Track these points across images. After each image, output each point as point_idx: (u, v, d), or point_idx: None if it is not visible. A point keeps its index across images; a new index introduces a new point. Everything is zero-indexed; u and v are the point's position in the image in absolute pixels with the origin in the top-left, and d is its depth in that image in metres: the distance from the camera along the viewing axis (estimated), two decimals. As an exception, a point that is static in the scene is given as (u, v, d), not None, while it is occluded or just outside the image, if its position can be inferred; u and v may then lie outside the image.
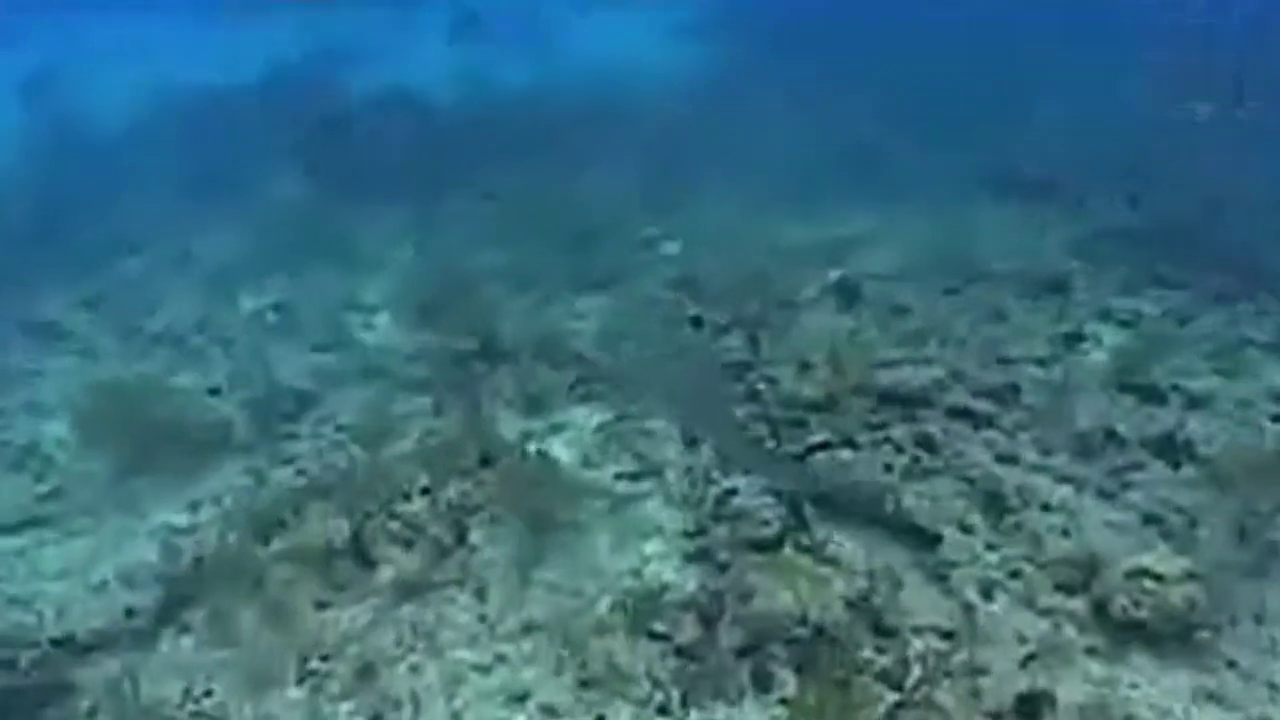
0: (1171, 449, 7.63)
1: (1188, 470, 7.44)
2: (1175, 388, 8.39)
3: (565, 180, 13.95)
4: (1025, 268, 10.85)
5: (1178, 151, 12.82)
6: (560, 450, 8.08)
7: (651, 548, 6.98)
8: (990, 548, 6.67)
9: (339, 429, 8.79)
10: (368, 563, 6.76)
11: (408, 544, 6.89)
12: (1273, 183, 11.98)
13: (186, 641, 6.55)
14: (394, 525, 7.00)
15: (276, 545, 6.99)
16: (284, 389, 9.52)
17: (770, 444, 7.76)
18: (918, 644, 5.89)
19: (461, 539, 6.97)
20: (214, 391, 9.70)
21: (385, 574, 6.73)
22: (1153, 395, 8.30)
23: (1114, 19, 18.65)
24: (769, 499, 7.17)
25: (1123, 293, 10.40)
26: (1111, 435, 7.74)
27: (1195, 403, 8.28)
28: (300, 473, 8.09)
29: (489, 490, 7.36)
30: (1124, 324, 9.70)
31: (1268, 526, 6.67)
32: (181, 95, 20.49)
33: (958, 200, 13.31)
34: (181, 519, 7.75)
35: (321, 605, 6.52)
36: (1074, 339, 9.21)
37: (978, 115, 16.23)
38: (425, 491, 7.40)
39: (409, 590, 6.57)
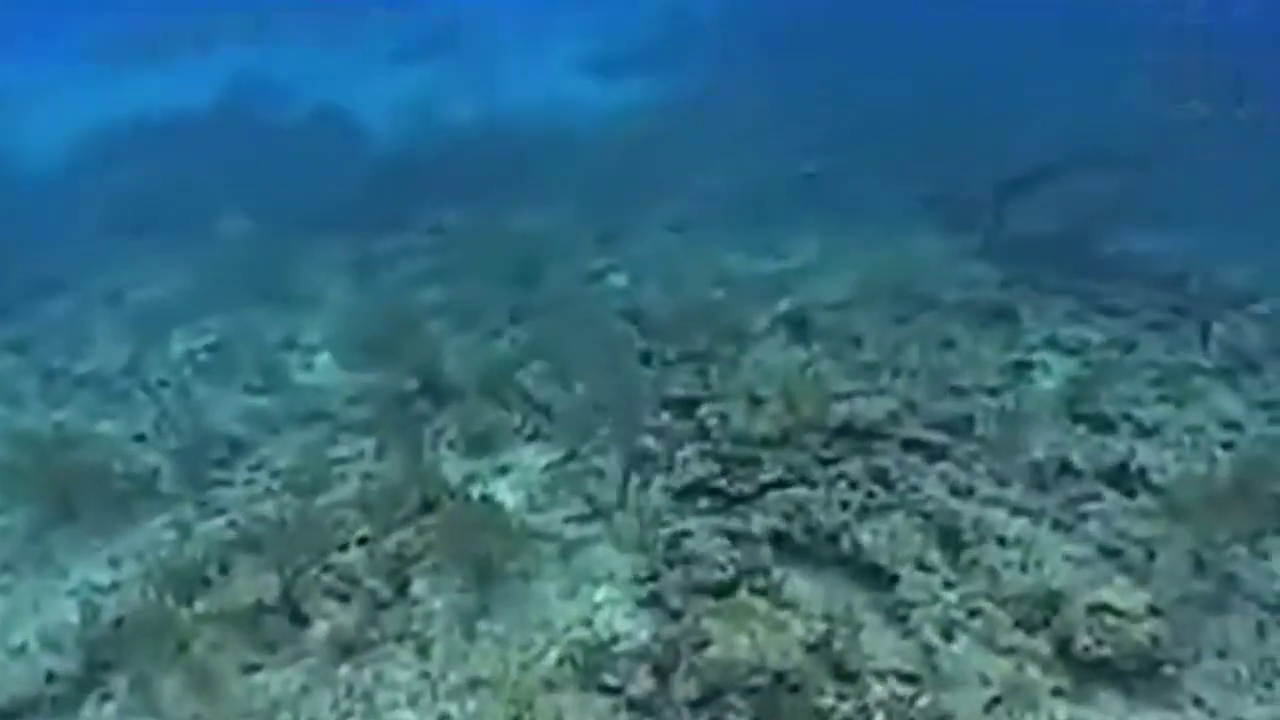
0: (1125, 479, 7.57)
1: (1142, 500, 7.37)
2: (1126, 416, 8.37)
3: (510, 213, 13.76)
4: (973, 296, 10.85)
5: (1125, 175, 12.98)
6: (506, 493, 7.78)
7: (602, 595, 6.71)
8: (949, 585, 6.50)
9: (273, 475, 8.41)
10: (300, 620, 6.39)
11: (343, 598, 6.53)
12: (1214, 206, 12.16)
13: (109, 709, 6.12)
14: (329, 579, 6.64)
15: (202, 604, 6.59)
16: (215, 434, 9.12)
17: (722, 482, 7.54)
18: (879, 689, 5.68)
19: (402, 591, 6.63)
20: (140, 438, 9.27)
21: (319, 631, 6.36)
22: (1104, 424, 8.27)
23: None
24: (723, 540, 6.94)
25: (1069, 320, 10.42)
26: (1065, 466, 7.66)
27: (1146, 431, 8.26)
28: (230, 524, 7.68)
29: (431, 538, 7.03)
30: (1071, 352, 9.70)
31: (1224, 557, 6.61)
32: (112, 132, 19.94)
33: (904, 227, 13.36)
34: (103, 576, 7.31)
35: (251, 668, 6.13)
36: (1023, 367, 9.18)
37: (925, 139, 16.35)
38: (363, 541, 7.06)
39: (345, 649, 6.21)
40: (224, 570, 6.92)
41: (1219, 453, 8.01)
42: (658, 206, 13.55)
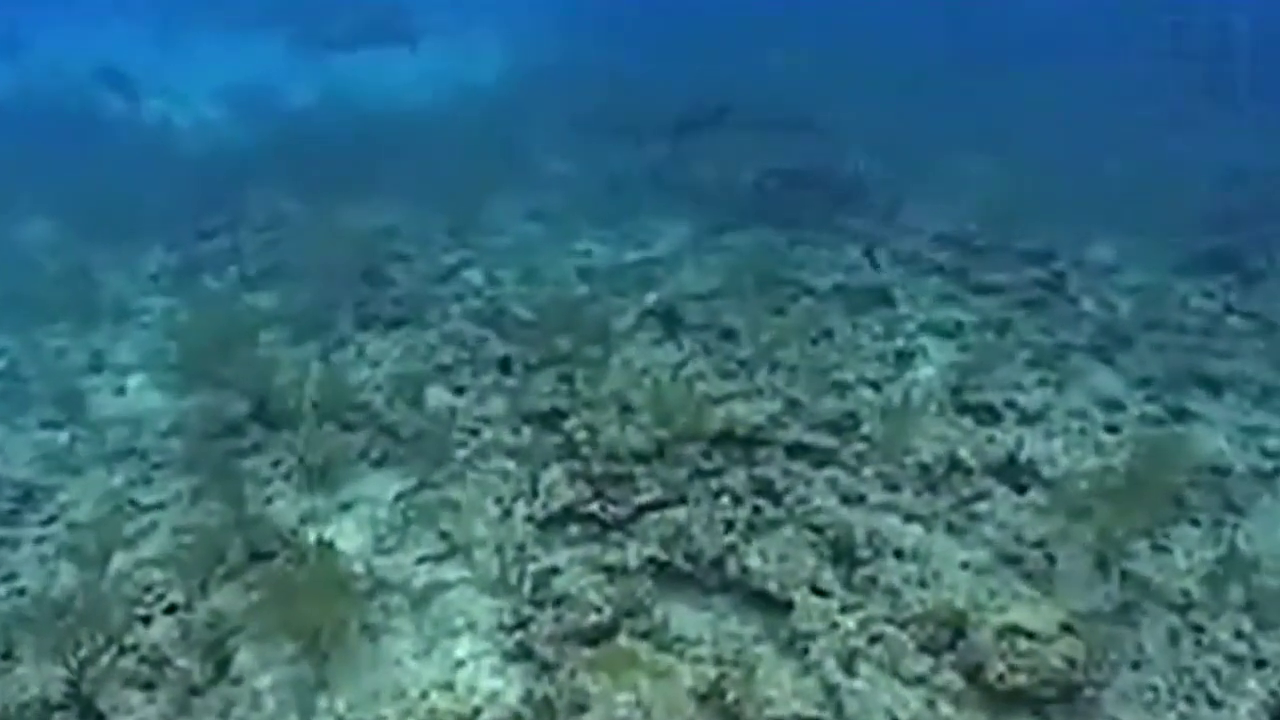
0: (1014, 473, 7.21)
1: (1034, 495, 7.02)
2: (1009, 404, 8.04)
3: (351, 206, 12.60)
4: (845, 280, 10.41)
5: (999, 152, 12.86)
6: (349, 534, 6.81)
7: (464, 649, 5.86)
8: (846, 609, 5.93)
9: (70, 529, 7.16)
10: (94, 718, 5.31)
11: (147, 685, 5.46)
12: (1085, 183, 12.13)
13: None
14: (128, 662, 5.55)
15: (-26, 704, 5.42)
16: (4, 481, 7.79)
17: (594, 507, 6.78)
18: (779, 741, 5.07)
19: (221, 670, 5.60)
20: (-90, 491, 7.83)
21: (119, 730, 5.31)
22: (988, 414, 7.92)
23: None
24: (597, 576, 6.19)
25: (942, 302, 10.11)
26: (954, 463, 7.24)
27: (1029, 418, 7.95)
28: (18, 593, 6.46)
29: (257, 598, 6.01)
30: (947, 335, 9.37)
31: (1125, 555, 6.29)
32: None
33: (768, 210, 12.87)
34: None
35: (31, 788, 5.06)
36: (904, 356, 8.77)
37: (788, 114, 15.95)
38: (171, 610, 5.99)
39: (152, 749, 5.20)
40: (6, 655, 5.74)
41: (1105, 438, 7.76)
42: (509, 195, 12.65)
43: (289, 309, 10.31)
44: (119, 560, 6.57)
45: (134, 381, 9.51)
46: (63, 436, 8.53)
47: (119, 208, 13.34)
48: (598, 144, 14.83)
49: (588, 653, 5.66)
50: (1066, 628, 5.36)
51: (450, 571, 6.46)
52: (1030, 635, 5.32)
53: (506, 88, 18.36)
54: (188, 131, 15.84)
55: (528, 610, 6.02)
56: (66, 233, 12.94)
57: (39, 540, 7.07)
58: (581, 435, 7.40)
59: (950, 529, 6.72)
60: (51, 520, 7.31)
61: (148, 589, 6.23)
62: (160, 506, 7.35)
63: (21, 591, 6.46)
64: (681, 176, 13.55)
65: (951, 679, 5.38)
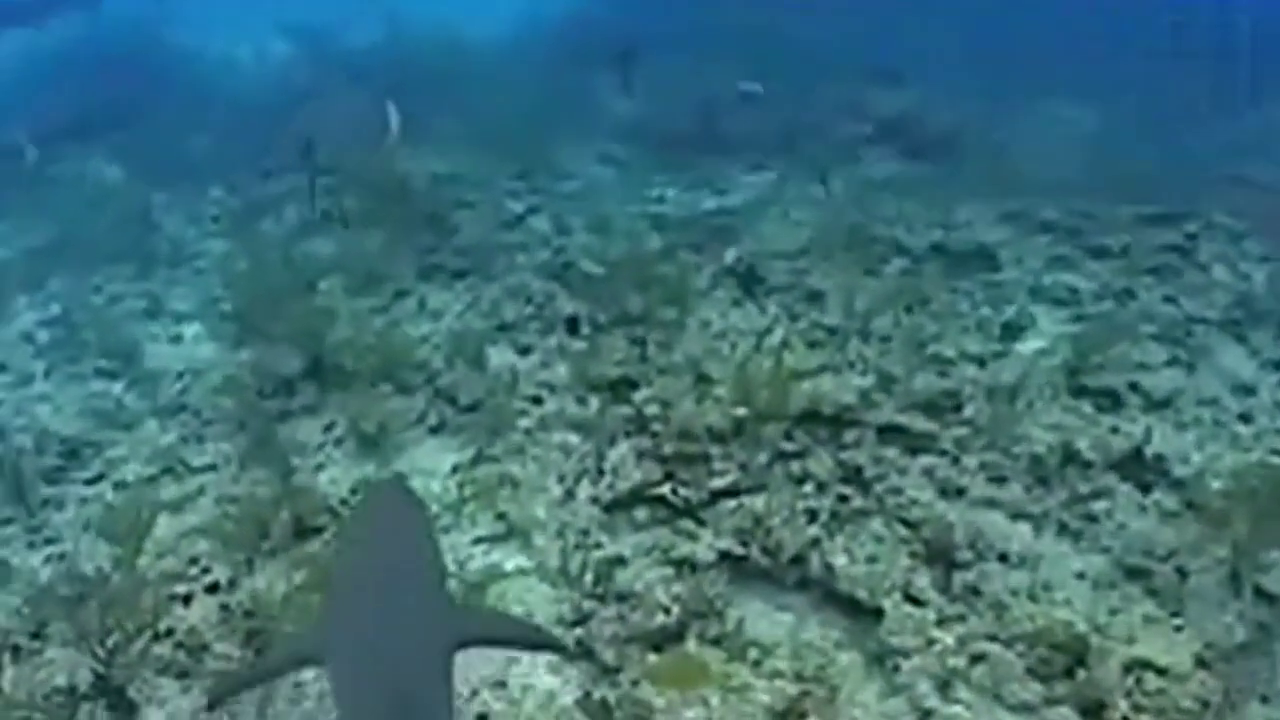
0: (1139, 469, 6.37)
1: (1161, 496, 6.20)
2: (1133, 387, 7.15)
3: (414, 147, 12.03)
4: (944, 239, 9.51)
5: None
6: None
7: (519, 644, 5.37)
8: (943, 622, 5.27)
9: (117, 489, 6.87)
10: (126, 709, 4.96)
11: (183, 674, 5.09)
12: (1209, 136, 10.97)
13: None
14: (163, 648, 5.18)
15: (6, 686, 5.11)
16: (54, 435, 7.52)
17: (665, 490, 6.20)
18: (867, 776, 4.50)
19: (261, 654, 5.21)
20: (-39, 442, 7.62)
21: (151, 722, 4.95)
22: (1108, 399, 7.04)
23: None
24: (665, 570, 5.64)
25: (1053, 265, 9.16)
26: (1070, 454, 6.43)
27: (1156, 404, 7.06)
28: (58, 559, 6.17)
29: (302, 579, 5.60)
30: (1060, 303, 8.46)
31: (1260, 572, 5.48)
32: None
33: (855, 160, 11.99)
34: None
35: (54, 783, 4.73)
36: (1011, 328, 7.89)
37: (875, 49, 14.94)
38: (213, 589, 5.61)
39: (184, 746, 4.83)
40: (37, 634, 5.43)
41: (1240, 429, 6.87)
42: (579, 137, 11.91)
43: (348, 257, 9.84)
44: (162, 527, 6.22)
45: (190, 330, 9.20)
46: (115, 388, 8.25)
47: (181, 147, 13.06)
48: (672, 84, 13.98)
49: (652, 658, 5.14)
50: (1202, 662, 4.65)
51: (507, 556, 5.96)
52: (1161, 671, 4.62)
53: (577, 22, 17.48)
54: (251, 68, 15.40)
55: (589, 605, 5.50)
56: (128, 173, 12.66)
57: (83, 501, 6.78)
58: (653, 409, 6.78)
59: (1064, 531, 5.96)
60: (98, 479, 7.03)
61: (192, 562, 5.87)
62: (210, 468, 7.01)
63: (61, 557, 6.16)
64: (761, 122, 12.66)
65: (1066, 714, 4.70)
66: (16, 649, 5.30)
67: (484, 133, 12.38)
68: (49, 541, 6.39)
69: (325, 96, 11.81)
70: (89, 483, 6.98)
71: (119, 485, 6.90)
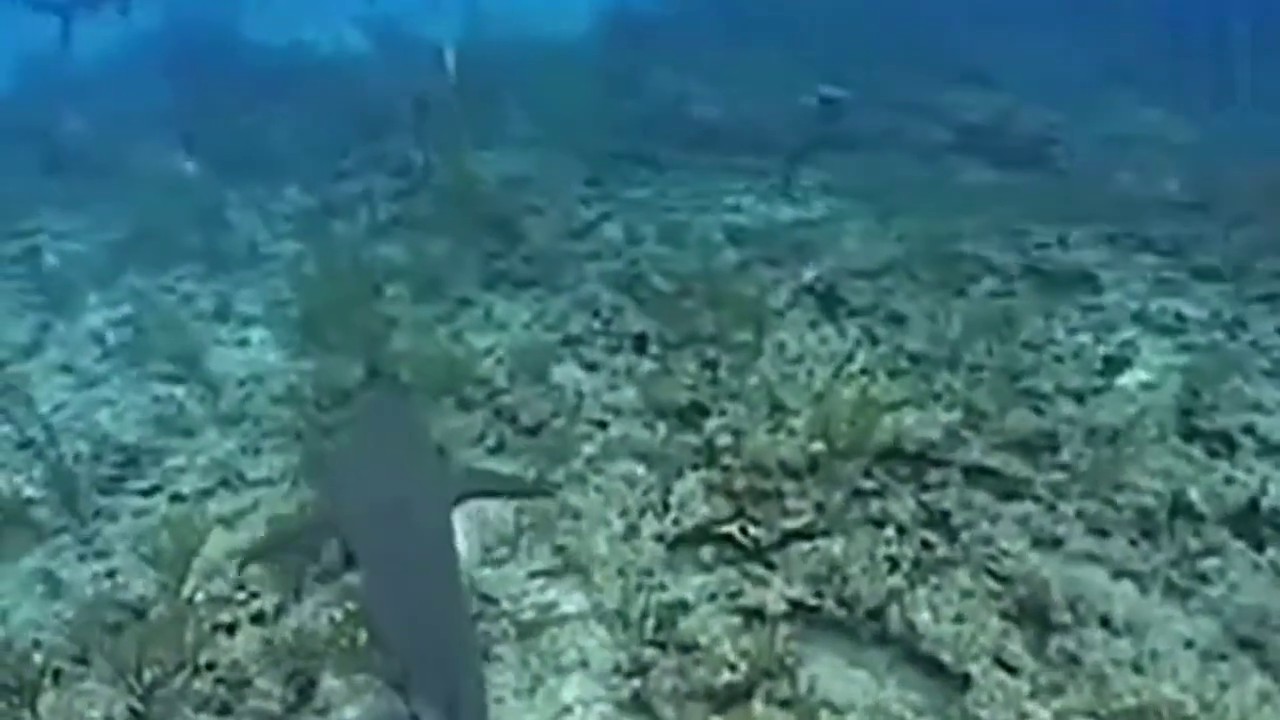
0: (1255, 523, 5.80)
1: (1276, 555, 5.62)
2: (1248, 430, 6.54)
3: (485, 148, 11.87)
4: (1037, 259, 8.93)
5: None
6: (458, 538, 6.07)
7: (572, 691, 5.04)
8: (1037, 693, 4.79)
9: (173, 502, 6.73)
10: (162, 746, 4.77)
11: (223, 711, 4.88)
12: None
13: None
14: (203, 683, 4.96)
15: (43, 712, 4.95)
16: (114, 441, 7.44)
17: (733, 528, 5.81)
18: None
19: (304, 696, 4.97)
20: (26, 444, 7.57)
21: (191, 762, 4.74)
22: (1222, 443, 6.46)
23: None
24: (732, 619, 5.26)
25: (1157, 289, 8.54)
26: (1179, 505, 5.88)
27: (1273, 450, 6.44)
28: (106, 576, 6.03)
29: (349, 609, 5.34)
30: (1166, 332, 7.85)
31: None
32: (54, 65, 17.86)
33: (939, 168, 11.41)
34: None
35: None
36: (1115, 362, 7.30)
37: (952, 56, 14.33)
38: (258, 619, 5.40)
39: (222, 788, 4.61)
40: (80, 658, 5.27)
41: (1369, 482, 6.22)
42: (651, 142, 11.53)
43: (415, 262, 9.65)
44: (212, 545, 6.04)
45: (256, 335, 9.10)
46: (179, 392, 8.15)
47: (258, 144, 13.05)
48: (748, 87, 13.52)
49: None
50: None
51: (565, 594, 5.63)
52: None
53: (656, 22, 17.11)
54: (329, 64, 15.37)
55: (649, 653, 5.13)
56: (204, 169, 12.70)
57: (138, 514, 6.64)
58: (724, 439, 6.41)
59: (1171, 591, 5.44)
60: (154, 491, 6.89)
61: (239, 586, 5.67)
62: (266, 483, 6.83)
63: (110, 574, 6.02)
64: (839, 129, 12.16)
65: (1180, 813, 4.21)
66: (58, 673, 5.13)
67: (557, 134, 12.10)
68: (99, 555, 6.25)
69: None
70: (144, 494, 6.84)
71: (175, 498, 6.76)
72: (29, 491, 6.89)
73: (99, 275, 10.38)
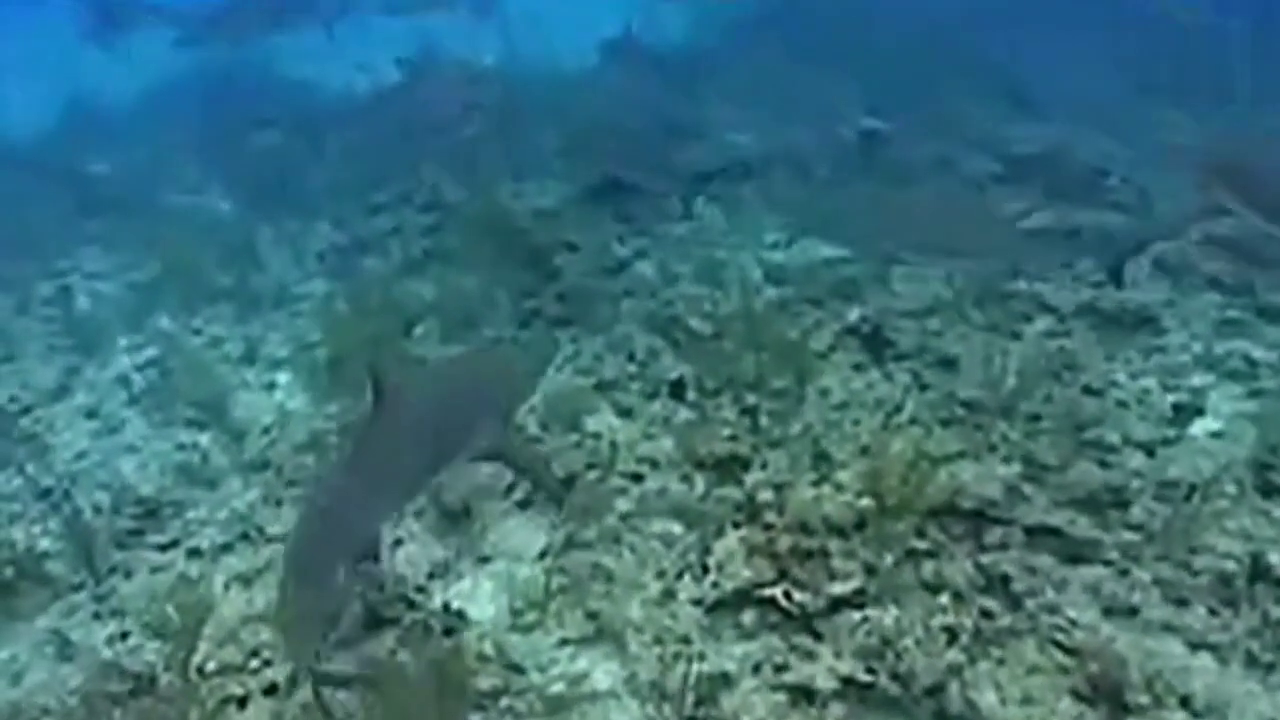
0: (1343, 591, 5.33)
1: (1372, 624, 5.14)
2: (1333, 485, 6.06)
3: (517, 180, 11.65)
4: (1094, 297, 8.47)
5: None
6: (483, 601, 5.75)
7: (604, 777, 4.70)
8: (1117, 785, 4.38)
9: (190, 558, 6.49)
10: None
11: (232, 795, 4.58)
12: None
13: None
14: (213, 764, 4.69)
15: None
16: (135, 492, 7.23)
17: (776, 592, 5.43)
18: None
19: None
20: (45, 493, 7.40)
21: None
22: (1305, 498, 5.98)
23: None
24: (776, 696, 4.88)
25: (1225, 330, 8.05)
26: (1260, 569, 5.41)
27: (1360, 509, 5.96)
28: (120, 638, 5.78)
29: (367, 681, 5.04)
30: (1237, 377, 7.36)
31: None
32: (86, 105, 18.03)
33: (990, 202, 10.96)
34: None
35: None
36: (1185, 410, 6.83)
37: (995, 83, 13.91)
38: (271, 691, 5.10)
39: None
40: (90, 729, 5.01)
41: None
42: (688, 175, 11.20)
43: (445, 299, 9.37)
44: (228, 605, 5.78)
45: (283, 378, 8.87)
46: (203, 439, 7.93)
47: (292, 178, 12.93)
48: (787, 118, 13.21)
49: (761, 813, 4.38)
50: None
51: (596, 664, 5.28)
52: None
53: (692, 54, 16.88)
54: (360, 100, 15.28)
55: (687, 734, 4.78)
56: (236, 205, 12.62)
57: (154, 570, 6.40)
58: (765, 494, 6.03)
59: (1253, 665, 4.97)
60: (173, 545, 6.65)
61: (252, 654, 5.39)
62: (286, 538, 6.54)
63: (124, 636, 5.77)
64: (882, 160, 11.79)
65: None
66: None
67: (590, 167, 11.86)
68: (114, 614, 6.02)
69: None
70: (162, 549, 6.61)
71: (192, 553, 6.51)
72: (45, 544, 6.70)
73: (129, 316, 10.24)
